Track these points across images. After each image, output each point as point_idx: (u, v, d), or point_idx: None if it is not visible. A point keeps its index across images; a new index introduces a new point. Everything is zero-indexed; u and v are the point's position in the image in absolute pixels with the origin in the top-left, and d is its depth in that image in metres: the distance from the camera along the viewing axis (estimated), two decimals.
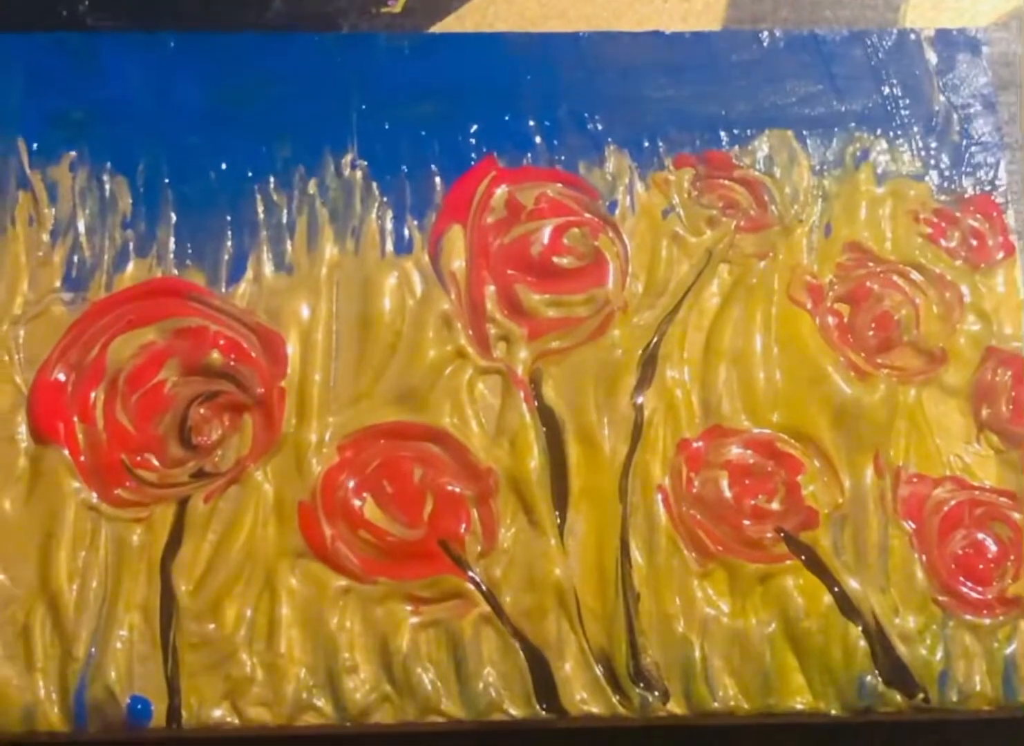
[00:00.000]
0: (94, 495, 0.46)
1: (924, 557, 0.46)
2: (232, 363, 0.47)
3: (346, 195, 0.49)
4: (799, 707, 0.45)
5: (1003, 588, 0.46)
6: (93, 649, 0.44)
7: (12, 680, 0.44)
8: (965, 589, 0.46)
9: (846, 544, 0.46)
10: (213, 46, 0.50)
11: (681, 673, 0.45)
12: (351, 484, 0.46)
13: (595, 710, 0.44)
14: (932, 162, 0.51)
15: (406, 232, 0.49)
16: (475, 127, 0.50)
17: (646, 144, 0.50)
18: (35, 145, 0.49)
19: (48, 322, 0.47)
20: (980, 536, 0.47)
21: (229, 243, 0.49)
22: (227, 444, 0.46)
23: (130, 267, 0.48)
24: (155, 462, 0.46)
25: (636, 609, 0.45)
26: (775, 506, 0.47)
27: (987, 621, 0.46)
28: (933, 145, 0.51)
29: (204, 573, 0.45)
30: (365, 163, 0.50)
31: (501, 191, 0.50)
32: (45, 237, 0.48)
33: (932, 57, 0.52)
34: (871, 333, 0.49)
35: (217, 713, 0.44)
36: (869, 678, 0.45)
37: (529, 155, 0.50)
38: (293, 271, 0.48)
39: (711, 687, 0.45)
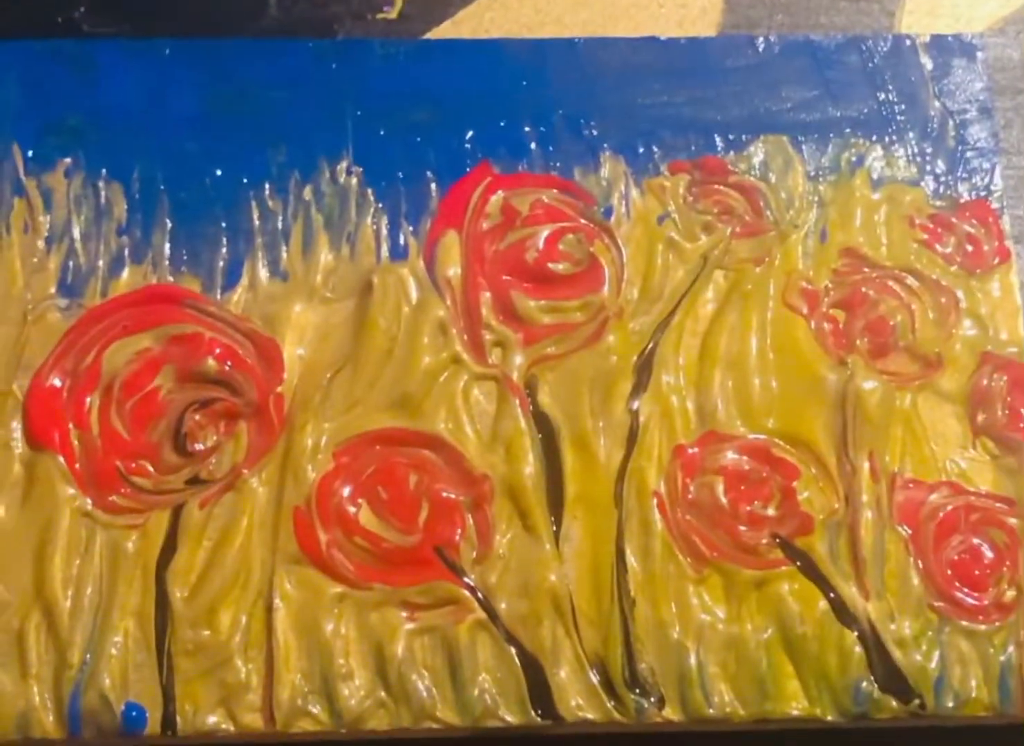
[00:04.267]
0: (89, 501, 0.46)
1: (920, 563, 0.46)
2: (227, 370, 0.47)
3: (341, 201, 0.49)
4: (795, 713, 0.45)
5: (999, 594, 0.46)
6: (88, 656, 0.44)
7: (6, 687, 0.44)
8: (961, 595, 0.46)
9: (841, 550, 0.46)
10: (209, 53, 0.50)
11: (677, 679, 0.45)
12: (346, 490, 0.46)
13: (590, 716, 0.44)
14: (927, 167, 0.51)
15: (401, 238, 0.49)
16: (470, 133, 0.50)
17: (641, 150, 0.50)
18: (30, 152, 0.49)
19: (43, 328, 0.47)
20: (976, 542, 0.47)
21: (224, 249, 0.49)
22: (222, 451, 0.46)
23: (125, 274, 0.48)
24: (150, 469, 0.46)
25: (632, 615, 0.45)
26: (771, 512, 0.47)
27: (983, 627, 0.46)
28: (928, 150, 0.51)
29: (199, 579, 0.45)
30: (360, 169, 0.50)
31: (496, 197, 0.50)
32: (40, 244, 0.48)
33: (928, 62, 0.52)
34: (866, 338, 0.49)
35: (212, 720, 0.44)
36: (865, 684, 0.45)
37: (524, 161, 0.50)
38: (288, 277, 0.48)
39: (707, 693, 0.45)
